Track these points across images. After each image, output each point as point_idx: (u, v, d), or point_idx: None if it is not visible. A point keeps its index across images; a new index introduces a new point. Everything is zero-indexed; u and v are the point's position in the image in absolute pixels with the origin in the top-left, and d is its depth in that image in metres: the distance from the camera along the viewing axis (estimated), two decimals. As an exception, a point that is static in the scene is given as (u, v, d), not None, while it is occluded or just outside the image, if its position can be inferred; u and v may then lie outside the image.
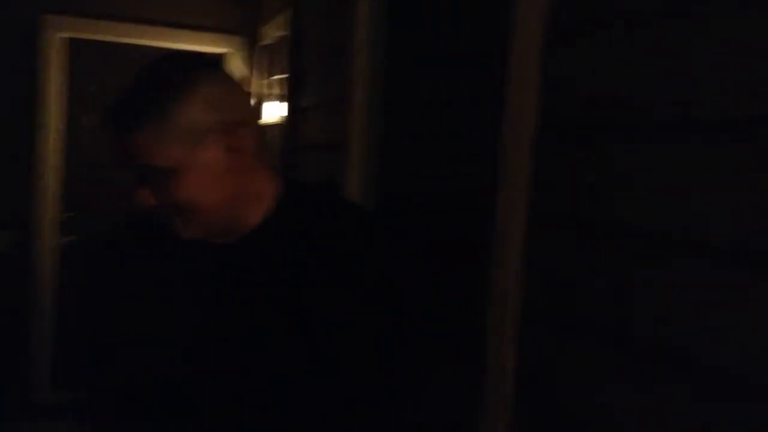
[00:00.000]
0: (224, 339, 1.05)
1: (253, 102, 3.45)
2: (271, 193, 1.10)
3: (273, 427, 1.02)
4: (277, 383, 1.04)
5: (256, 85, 3.74)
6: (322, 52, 2.77)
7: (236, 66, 4.04)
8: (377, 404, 1.07)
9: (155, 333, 1.09)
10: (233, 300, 1.06)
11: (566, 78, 1.26)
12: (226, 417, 1.04)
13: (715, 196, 0.94)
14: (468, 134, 1.75)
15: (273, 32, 3.50)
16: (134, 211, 1.03)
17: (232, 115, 1.01)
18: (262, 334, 1.05)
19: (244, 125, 1.02)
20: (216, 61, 1.09)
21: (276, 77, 3.40)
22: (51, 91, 3.84)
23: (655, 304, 1.03)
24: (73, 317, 3.94)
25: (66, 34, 3.90)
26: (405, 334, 1.09)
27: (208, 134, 0.99)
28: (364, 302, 1.06)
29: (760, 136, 0.87)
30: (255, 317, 1.06)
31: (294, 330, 1.04)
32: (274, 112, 3.33)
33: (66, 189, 4.00)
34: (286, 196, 1.11)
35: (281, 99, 3.26)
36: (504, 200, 1.40)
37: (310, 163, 2.81)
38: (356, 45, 2.34)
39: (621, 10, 1.13)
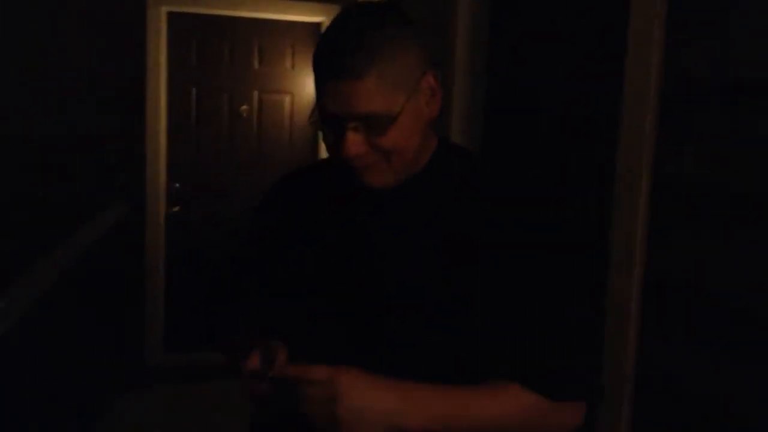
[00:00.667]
0: (358, 282, 1.10)
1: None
2: (432, 144, 1.14)
3: (402, 368, 1.03)
4: (410, 327, 1.06)
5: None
6: (421, 18, 2.73)
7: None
8: (507, 353, 1.06)
9: (297, 261, 1.18)
10: (379, 245, 1.11)
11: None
12: (352, 349, 1.08)
13: None
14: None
15: None
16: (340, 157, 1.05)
17: (432, 63, 1.06)
18: (408, 277, 1.09)
19: (436, 74, 1.07)
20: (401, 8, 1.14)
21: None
22: (159, 64, 3.97)
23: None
24: (181, 283, 4.11)
25: (169, 8, 4.00)
26: (535, 284, 1.08)
27: (420, 82, 1.04)
28: (498, 257, 1.07)
29: None
30: (403, 262, 1.09)
31: (437, 276, 1.07)
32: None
33: (171, 161, 4.14)
34: (439, 149, 1.15)
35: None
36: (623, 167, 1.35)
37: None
38: (458, 10, 2.29)
39: None
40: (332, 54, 1.00)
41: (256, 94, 4.28)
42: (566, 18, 1.84)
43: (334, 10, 4.12)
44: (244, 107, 4.27)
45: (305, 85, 4.30)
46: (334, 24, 1.04)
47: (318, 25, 4.24)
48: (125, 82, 3.75)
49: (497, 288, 1.06)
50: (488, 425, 1.03)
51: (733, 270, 1.11)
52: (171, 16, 4.05)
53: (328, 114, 1.02)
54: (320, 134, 1.11)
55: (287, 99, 4.31)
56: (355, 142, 1.01)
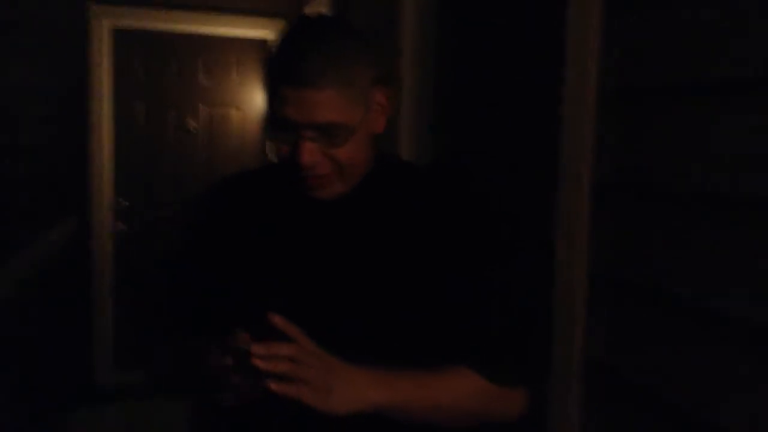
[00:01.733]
0: (309, 289, 1.10)
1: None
2: (372, 155, 1.15)
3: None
4: (363, 331, 1.08)
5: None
6: (368, 28, 2.77)
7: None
8: (462, 358, 1.10)
9: (242, 267, 1.15)
10: (326, 253, 1.12)
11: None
12: None
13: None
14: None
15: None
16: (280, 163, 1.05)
17: (388, 76, 1.08)
18: (348, 288, 1.10)
19: (391, 86, 1.09)
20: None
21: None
22: (103, 80, 3.93)
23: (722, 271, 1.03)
24: (130, 301, 4.05)
25: (113, 23, 3.97)
26: (484, 290, 1.12)
27: (376, 95, 1.06)
28: (444, 255, 1.10)
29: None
30: (343, 272, 1.10)
31: (375, 285, 1.09)
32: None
33: (118, 177, 4.09)
34: (378, 159, 1.16)
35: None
36: (567, 169, 1.41)
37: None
38: (404, 26, 2.34)
39: None
40: (295, 61, 0.99)
41: (203, 108, 4.27)
42: (508, 25, 1.91)
43: (280, 26, 4.15)
44: (192, 122, 4.25)
45: (252, 99, 4.30)
46: (293, 31, 1.05)
47: (264, 41, 4.26)
48: (69, 97, 3.70)
49: (444, 284, 1.10)
50: (444, 407, 1.07)
51: (673, 264, 1.17)
52: (115, 31, 4.02)
53: (284, 121, 1.01)
54: (267, 146, 1.12)
55: (234, 113, 4.31)
56: (310, 151, 1.01)
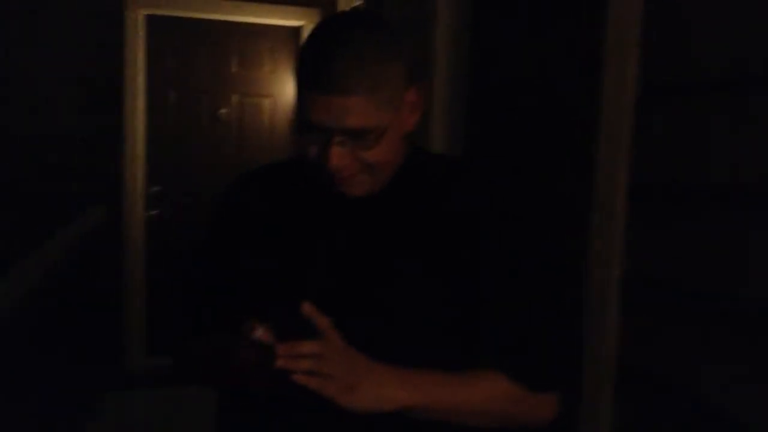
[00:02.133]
0: (336, 287, 1.08)
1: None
2: (404, 151, 1.13)
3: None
4: (393, 333, 1.06)
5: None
6: (401, 22, 2.75)
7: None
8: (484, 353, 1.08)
9: (268, 262, 1.13)
10: (354, 250, 1.10)
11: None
12: None
13: None
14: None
15: (349, 3, 3.50)
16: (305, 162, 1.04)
17: (415, 75, 1.05)
18: (376, 286, 1.08)
19: (420, 84, 1.06)
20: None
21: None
22: (137, 67, 3.95)
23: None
24: (162, 287, 4.09)
25: (147, 11, 3.99)
26: (512, 285, 1.10)
27: (405, 96, 1.04)
28: (477, 256, 1.08)
29: None
30: (372, 270, 1.09)
31: (404, 284, 1.08)
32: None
33: (150, 164, 4.13)
34: (411, 155, 1.14)
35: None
36: (603, 168, 1.38)
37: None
38: (439, 19, 2.31)
39: None
40: (322, 66, 0.97)
41: (235, 97, 4.28)
42: (545, 18, 1.87)
43: (314, 15, 4.14)
44: (223, 110, 4.27)
45: (284, 89, 4.30)
46: (320, 32, 1.02)
47: (297, 29, 4.25)
48: (103, 85, 3.74)
49: (478, 286, 1.08)
50: (471, 410, 1.05)
51: (710, 265, 1.14)
52: (149, 19, 4.04)
53: (313, 125, 1.00)
54: (295, 140, 1.10)
55: (266, 102, 4.32)
56: (340, 154, 1.00)
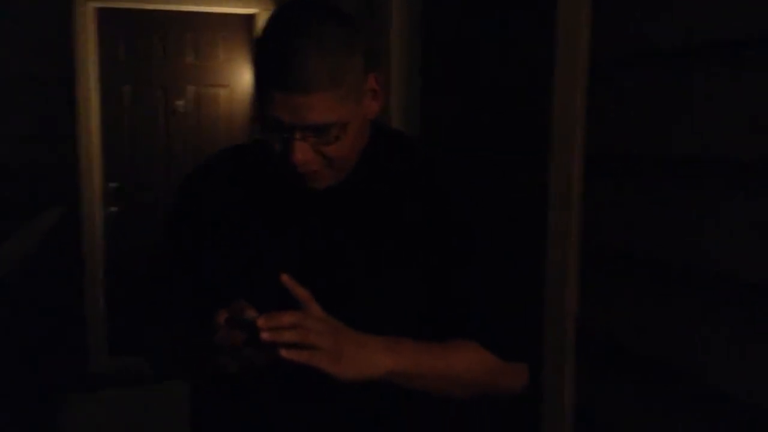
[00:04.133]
0: (304, 273, 1.04)
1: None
2: (367, 135, 1.11)
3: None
4: (364, 317, 1.04)
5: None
6: (355, 5, 2.72)
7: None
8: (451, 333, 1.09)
9: (229, 253, 1.12)
10: (320, 237, 1.09)
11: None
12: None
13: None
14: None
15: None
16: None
17: (372, 61, 1.04)
18: (344, 272, 1.08)
19: (378, 69, 1.05)
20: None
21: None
22: (88, 62, 3.86)
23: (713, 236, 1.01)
24: (122, 286, 4.03)
25: (97, 4, 3.90)
26: (474, 272, 1.10)
27: (367, 83, 1.03)
28: (435, 243, 1.09)
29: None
30: (339, 256, 1.08)
31: (369, 272, 1.08)
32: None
33: (107, 160, 4.05)
34: (373, 139, 1.13)
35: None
36: (558, 139, 1.38)
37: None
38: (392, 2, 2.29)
39: None
40: (281, 64, 0.95)
41: (191, 88, 4.21)
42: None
43: (267, 2, 4.08)
44: (180, 102, 4.20)
45: (240, 78, 4.25)
46: (277, 26, 0.99)
47: (251, 17, 4.19)
48: (55, 82, 3.65)
49: (443, 263, 1.08)
50: (451, 377, 1.06)
51: (666, 232, 1.15)
52: (100, 12, 3.94)
53: (274, 121, 0.98)
54: (257, 122, 1.07)
55: (223, 92, 4.25)
56: (303, 150, 0.99)
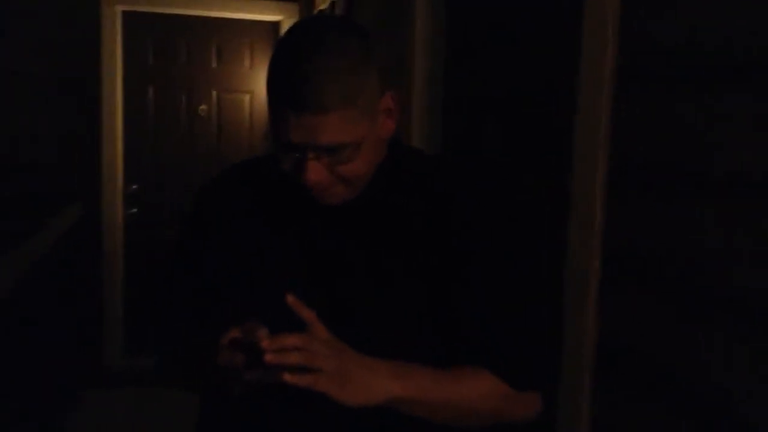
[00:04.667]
0: (316, 289, 1.05)
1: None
2: (383, 152, 1.10)
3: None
4: (376, 332, 1.04)
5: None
6: (380, 14, 2.74)
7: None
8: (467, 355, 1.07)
9: (239, 264, 1.11)
10: (334, 253, 1.08)
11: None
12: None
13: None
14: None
15: (328, -2, 3.48)
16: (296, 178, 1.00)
17: (386, 80, 1.02)
18: (357, 290, 1.06)
19: (394, 88, 1.04)
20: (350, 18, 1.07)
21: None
22: (114, 65, 3.91)
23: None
24: (140, 286, 4.06)
25: (124, 7, 3.95)
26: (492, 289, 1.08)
27: (383, 101, 1.01)
28: (459, 254, 1.06)
29: None
30: (352, 273, 1.07)
31: (380, 289, 1.06)
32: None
33: (128, 162, 4.09)
34: (390, 155, 1.11)
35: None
36: (581, 153, 1.37)
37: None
38: (416, 11, 2.30)
39: None
40: (294, 83, 0.93)
41: (214, 93, 4.25)
42: (522, 9, 1.87)
43: (293, 9, 4.12)
44: (203, 107, 4.23)
45: (264, 84, 4.27)
46: (290, 44, 0.98)
47: (277, 24, 4.22)
48: (81, 83, 3.69)
49: (459, 283, 1.06)
50: (458, 405, 1.04)
51: (692, 244, 1.14)
52: (126, 15, 4.00)
53: (287, 142, 0.97)
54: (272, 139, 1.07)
55: (246, 98, 4.29)
56: (316, 170, 0.98)
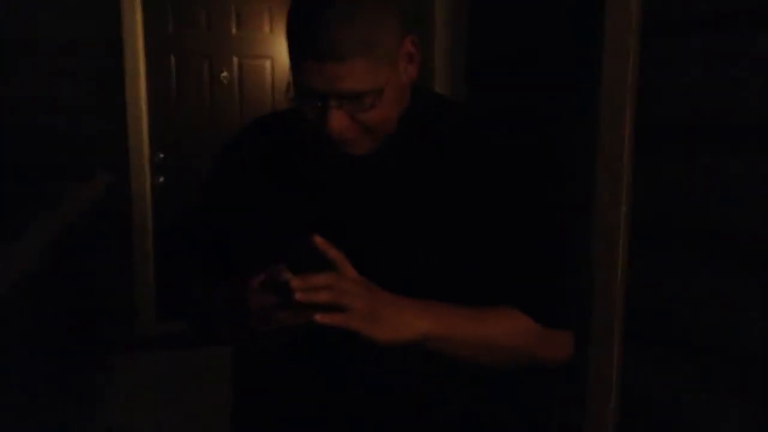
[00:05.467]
0: (344, 237, 1.03)
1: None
2: (407, 99, 1.09)
3: None
4: (407, 279, 1.03)
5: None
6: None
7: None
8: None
9: (263, 218, 1.12)
10: (361, 201, 1.08)
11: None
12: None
13: None
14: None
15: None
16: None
17: (408, 24, 1.01)
18: (386, 237, 1.06)
19: (414, 38, 1.03)
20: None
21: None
22: (136, 33, 3.91)
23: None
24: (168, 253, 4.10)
25: (143, -25, 3.94)
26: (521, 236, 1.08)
27: (404, 46, 1.00)
28: (487, 199, 1.06)
29: None
30: (380, 220, 1.07)
31: (416, 234, 1.06)
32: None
33: (153, 131, 4.11)
34: (414, 102, 1.10)
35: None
36: (607, 109, 1.36)
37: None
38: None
39: None
40: (312, 32, 0.93)
41: (235, 59, 4.24)
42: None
43: (311, -28, 4.07)
44: (224, 74, 4.23)
45: (284, 49, 4.23)
46: None
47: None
48: (102, 50, 3.71)
49: (489, 228, 1.06)
50: (490, 344, 1.05)
51: (717, 201, 1.13)
52: (144, -17, 3.99)
53: (308, 90, 0.97)
54: (292, 90, 1.05)
55: (267, 63, 4.28)
56: (338, 118, 0.98)
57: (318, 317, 0.88)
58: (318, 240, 0.93)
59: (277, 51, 4.27)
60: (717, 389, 1.14)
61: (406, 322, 0.95)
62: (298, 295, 0.88)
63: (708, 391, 1.16)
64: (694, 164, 1.17)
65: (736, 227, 1.08)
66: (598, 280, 1.39)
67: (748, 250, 1.07)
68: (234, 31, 4.22)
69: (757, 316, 1.04)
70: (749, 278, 1.06)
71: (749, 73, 1.05)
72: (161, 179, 4.17)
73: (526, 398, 1.16)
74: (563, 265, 1.10)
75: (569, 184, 1.60)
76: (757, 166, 1.04)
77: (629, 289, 1.34)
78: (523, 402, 1.17)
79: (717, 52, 1.12)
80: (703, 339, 1.17)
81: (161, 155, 4.15)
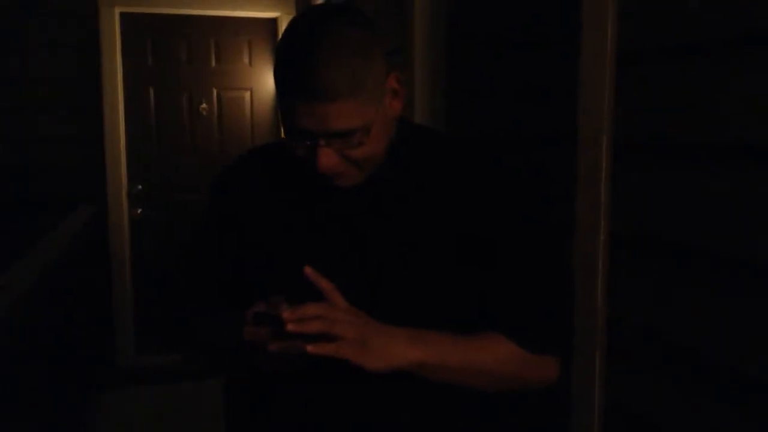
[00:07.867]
0: (336, 265, 1.07)
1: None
2: (392, 131, 1.12)
3: None
4: (399, 306, 1.06)
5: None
6: (378, 8, 2.76)
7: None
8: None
9: (259, 249, 1.13)
10: (351, 230, 1.10)
11: None
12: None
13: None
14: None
15: (325, -8, 3.50)
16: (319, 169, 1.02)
17: (393, 59, 1.04)
18: (373, 268, 1.08)
19: (398, 74, 1.06)
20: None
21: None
22: (114, 65, 3.93)
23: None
24: (148, 285, 4.08)
25: (122, 9, 3.97)
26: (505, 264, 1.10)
27: (388, 83, 1.03)
28: (472, 226, 1.08)
29: None
30: (370, 248, 1.09)
31: (404, 260, 1.08)
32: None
33: (132, 163, 4.11)
34: (399, 132, 1.13)
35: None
36: (585, 129, 1.39)
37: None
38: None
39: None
40: (301, 73, 0.95)
41: (215, 91, 4.26)
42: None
43: (288, 5, 4.13)
44: (204, 105, 4.25)
45: (264, 81, 4.30)
46: (295, 34, 0.99)
47: (274, 20, 4.24)
48: (81, 85, 3.72)
49: (476, 254, 1.08)
50: (479, 370, 1.07)
51: (695, 218, 1.16)
52: (124, 16, 4.01)
53: (298, 130, 0.99)
54: (282, 129, 1.07)
55: (247, 95, 4.31)
56: (328, 156, 1.00)
57: (309, 348, 0.90)
58: (308, 271, 0.96)
59: (257, 82, 4.30)
60: (702, 406, 1.16)
61: (395, 349, 0.98)
62: (289, 326, 0.90)
63: (692, 410, 1.18)
64: (672, 181, 1.21)
65: (718, 244, 1.11)
66: (578, 299, 1.41)
67: (729, 266, 1.09)
68: (213, 64, 4.25)
69: (743, 332, 1.07)
70: (732, 295, 1.09)
71: (724, 98, 1.09)
72: (139, 211, 4.16)
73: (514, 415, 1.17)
74: (550, 290, 1.12)
75: (552, 208, 1.63)
76: (737, 184, 1.07)
77: (611, 306, 1.36)
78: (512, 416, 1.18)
79: (692, 78, 1.16)
80: (688, 357, 1.19)
81: (139, 187, 4.15)
